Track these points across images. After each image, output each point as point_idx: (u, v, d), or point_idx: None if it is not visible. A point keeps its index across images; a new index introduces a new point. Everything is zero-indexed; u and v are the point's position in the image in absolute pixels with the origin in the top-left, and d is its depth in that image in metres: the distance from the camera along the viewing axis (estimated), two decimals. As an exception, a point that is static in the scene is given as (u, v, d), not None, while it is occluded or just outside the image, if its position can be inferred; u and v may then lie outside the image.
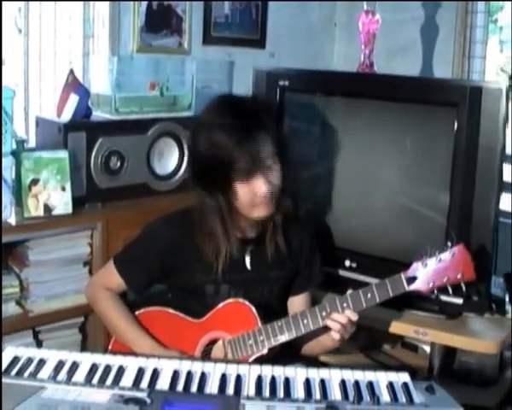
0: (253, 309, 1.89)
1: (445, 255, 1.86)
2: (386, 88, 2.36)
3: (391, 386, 1.55)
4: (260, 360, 1.85)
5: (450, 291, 1.89)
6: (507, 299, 2.33)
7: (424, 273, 1.87)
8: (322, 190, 2.47)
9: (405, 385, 1.55)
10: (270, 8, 3.75)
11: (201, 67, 3.17)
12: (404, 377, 1.59)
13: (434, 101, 2.23)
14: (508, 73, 3.62)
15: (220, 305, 1.93)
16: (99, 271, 2.27)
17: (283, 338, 1.88)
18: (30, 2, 2.89)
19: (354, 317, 1.86)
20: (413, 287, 1.89)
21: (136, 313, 2.03)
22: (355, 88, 2.44)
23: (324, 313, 1.89)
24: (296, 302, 2.09)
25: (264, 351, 1.88)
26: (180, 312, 1.99)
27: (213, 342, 1.94)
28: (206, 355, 1.93)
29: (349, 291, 1.90)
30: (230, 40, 3.59)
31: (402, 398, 1.51)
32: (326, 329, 1.92)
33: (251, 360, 1.87)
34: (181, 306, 2.02)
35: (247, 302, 1.90)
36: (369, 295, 1.88)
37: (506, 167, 2.22)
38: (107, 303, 2.05)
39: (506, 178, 2.26)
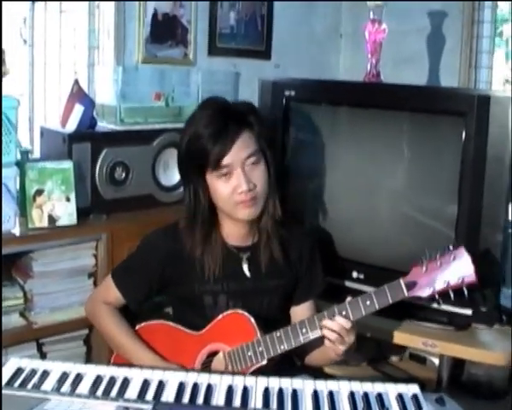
0: (252, 320, 1.87)
1: (446, 259, 1.80)
2: (392, 97, 2.35)
3: (400, 398, 1.53)
4: (260, 371, 1.83)
5: (452, 296, 1.82)
6: (517, 310, 2.31)
7: (424, 278, 1.81)
8: (329, 201, 2.44)
9: (415, 397, 1.54)
10: (276, 19, 3.75)
11: (207, 78, 3.15)
12: (413, 388, 1.57)
13: (442, 110, 2.21)
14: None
15: (219, 316, 1.91)
16: (98, 286, 2.27)
17: (282, 349, 1.85)
18: (35, 14, 2.90)
19: (347, 324, 1.80)
20: (413, 293, 1.83)
21: (137, 327, 2.02)
22: (361, 98, 2.42)
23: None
24: (299, 312, 2.05)
25: (264, 362, 1.85)
26: (180, 325, 1.98)
27: (213, 354, 1.92)
28: (206, 368, 1.91)
29: (348, 299, 1.85)
30: (236, 51, 3.59)
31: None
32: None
33: (250, 371, 1.85)
34: (180, 318, 2.01)
35: (246, 313, 1.88)
36: (368, 303, 1.83)
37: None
38: (107, 318, 2.03)
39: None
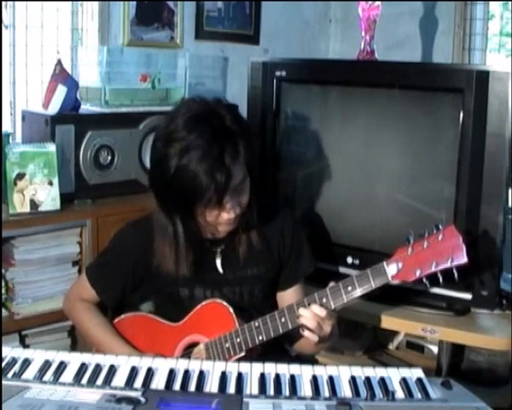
0: (231, 309, 1.81)
1: (434, 239, 1.67)
2: (387, 75, 2.30)
3: (404, 382, 1.46)
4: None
5: (441, 280, 1.68)
6: (518, 294, 2.28)
7: (409, 260, 1.69)
8: (321, 184, 2.40)
9: (420, 381, 1.46)
10: (264, 2, 3.71)
11: (194, 63, 3.15)
12: (417, 372, 1.50)
13: (439, 87, 2.17)
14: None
15: (198, 306, 1.86)
16: (73, 283, 2.20)
17: (260, 339, 1.79)
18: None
19: (322, 313, 1.72)
20: (397, 277, 1.71)
21: (116, 320, 1.98)
22: (355, 76, 2.37)
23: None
24: (286, 298, 1.98)
25: (242, 354, 1.80)
26: (159, 316, 1.94)
27: (192, 345, 1.88)
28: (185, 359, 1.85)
29: (330, 284, 1.77)
30: (223, 35, 3.55)
31: (417, 394, 1.42)
32: None
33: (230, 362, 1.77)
34: (160, 312, 1.97)
35: (224, 302, 1.83)
36: (349, 288, 1.74)
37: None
38: (83, 315, 1.99)
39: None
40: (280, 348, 2.02)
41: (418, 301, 2.23)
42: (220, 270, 1.92)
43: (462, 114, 2.08)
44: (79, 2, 3.00)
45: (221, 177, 1.66)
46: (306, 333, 1.75)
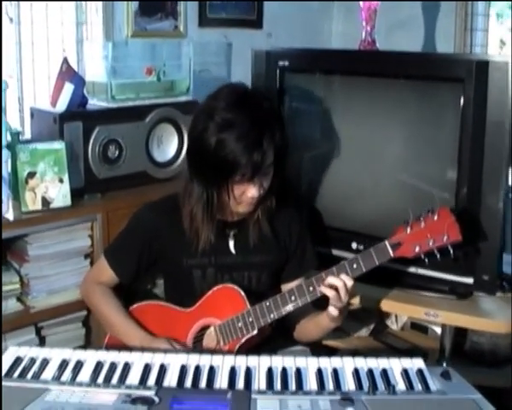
0: (242, 292, 1.91)
1: (429, 219, 1.86)
2: (389, 65, 2.33)
3: (405, 373, 1.53)
4: (255, 345, 1.91)
5: (438, 256, 1.89)
6: (519, 277, 2.31)
7: (409, 238, 1.88)
8: (325, 172, 2.44)
9: (420, 372, 1.53)
10: (267, -14, 3.69)
11: (198, 50, 3.16)
12: (418, 363, 1.57)
13: (439, 76, 2.19)
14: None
15: (210, 292, 1.95)
16: (92, 267, 2.33)
17: (272, 317, 1.90)
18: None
19: (349, 281, 1.84)
20: (398, 253, 1.89)
21: (130, 308, 2.06)
22: (357, 66, 2.40)
23: (311, 288, 1.89)
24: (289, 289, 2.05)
25: (254, 332, 1.90)
26: (171, 303, 2.03)
27: (204, 328, 1.96)
28: (197, 342, 1.96)
29: (337, 264, 1.89)
30: (227, 21, 3.55)
31: (418, 386, 1.49)
32: (321, 308, 1.93)
33: (242, 341, 1.90)
34: (172, 294, 2.09)
35: (235, 286, 1.93)
36: (354, 266, 1.88)
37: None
38: (100, 298, 2.08)
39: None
40: (286, 332, 2.10)
41: (421, 286, 2.27)
42: (233, 251, 2.01)
43: (462, 103, 2.11)
44: (83, -2, 3.02)
45: (257, 157, 1.79)
46: (329, 307, 1.85)
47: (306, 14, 3.92)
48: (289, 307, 1.89)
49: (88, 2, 3.04)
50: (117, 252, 2.11)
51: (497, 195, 2.11)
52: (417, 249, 1.87)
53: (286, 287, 2.06)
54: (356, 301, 2.25)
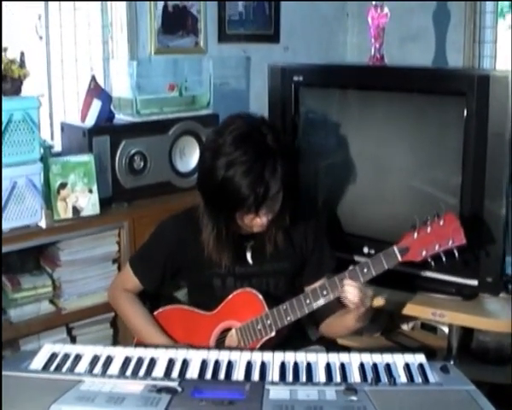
0: (260, 296, 2.00)
1: (435, 224, 1.93)
2: (396, 80, 2.43)
3: (407, 367, 1.61)
4: (273, 344, 1.97)
5: (444, 259, 1.96)
6: (522, 278, 2.37)
7: (416, 243, 1.95)
8: (339, 180, 2.53)
9: (421, 366, 1.61)
10: (283, 2, 3.78)
11: (218, 65, 3.24)
12: (420, 358, 1.65)
13: (444, 90, 2.28)
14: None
15: (230, 296, 2.05)
16: (118, 274, 2.43)
17: (289, 320, 1.99)
18: (49, 10, 2.97)
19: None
20: (406, 257, 1.96)
21: (155, 312, 2.16)
22: (367, 81, 2.50)
23: (325, 292, 1.98)
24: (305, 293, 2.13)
25: (273, 334, 1.99)
26: (194, 307, 2.12)
27: (226, 331, 2.06)
28: (220, 344, 2.05)
29: (349, 268, 1.98)
30: (245, 37, 3.64)
31: (418, 378, 1.57)
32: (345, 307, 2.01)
33: (261, 342, 1.99)
34: (195, 300, 2.17)
35: (254, 291, 2.01)
36: (365, 270, 1.96)
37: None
38: (126, 304, 2.18)
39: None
40: (302, 333, 2.21)
41: (429, 288, 2.37)
42: (250, 261, 2.10)
43: (465, 115, 2.19)
44: (109, 15, 3.14)
45: (260, 189, 1.87)
46: (349, 304, 1.94)
47: (321, 27, 4.00)
48: (305, 311, 1.98)
49: (113, 21, 3.15)
50: (141, 262, 2.19)
51: (499, 201, 2.20)
52: (424, 253, 1.94)
53: (308, 289, 2.13)
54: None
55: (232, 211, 1.94)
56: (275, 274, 2.12)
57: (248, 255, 2.11)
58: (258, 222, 1.97)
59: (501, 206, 2.21)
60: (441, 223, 1.93)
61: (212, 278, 2.10)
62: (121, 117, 2.85)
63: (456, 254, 1.95)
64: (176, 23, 3.32)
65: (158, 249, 2.16)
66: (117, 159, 2.69)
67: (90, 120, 2.69)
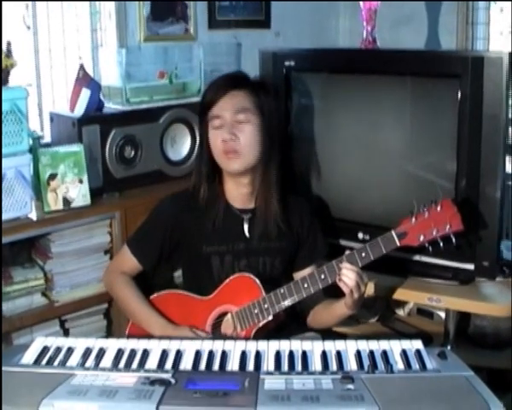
0: (257, 281, 2.00)
1: (433, 210, 1.96)
2: (389, 63, 2.41)
3: (404, 354, 1.61)
4: (269, 330, 1.99)
5: (441, 244, 1.98)
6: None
7: (414, 228, 1.97)
8: (331, 165, 2.52)
9: (418, 352, 1.61)
10: (274, -13, 3.72)
11: (209, 51, 3.20)
12: (417, 344, 1.65)
13: (437, 73, 2.27)
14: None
15: (227, 280, 2.05)
16: (114, 257, 2.42)
17: (286, 304, 1.99)
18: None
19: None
20: (404, 242, 1.99)
21: (151, 297, 2.15)
22: (359, 64, 2.47)
23: (323, 276, 1.98)
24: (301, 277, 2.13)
25: (270, 317, 1.99)
26: (190, 292, 2.11)
27: (222, 315, 2.05)
28: (216, 328, 2.04)
29: (346, 252, 1.99)
30: (236, 22, 3.61)
31: (415, 365, 1.57)
32: (336, 296, 2.01)
33: (258, 326, 1.99)
34: (190, 283, 2.18)
35: (251, 275, 2.02)
36: (363, 254, 1.98)
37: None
38: (123, 287, 2.17)
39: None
40: (298, 319, 2.19)
41: (425, 273, 2.35)
42: (247, 234, 2.12)
43: (459, 98, 2.18)
44: (97, 3, 3.10)
45: (218, 91, 2.06)
46: (347, 290, 1.93)
47: (313, 13, 3.95)
48: (302, 294, 1.98)
49: (102, 8, 3.11)
50: (139, 240, 2.19)
51: (495, 185, 2.18)
52: (422, 239, 1.97)
53: (298, 275, 2.15)
54: (370, 290, 2.30)
55: (202, 116, 2.10)
56: (271, 252, 2.13)
57: (245, 228, 2.12)
58: (223, 137, 2.02)
59: (496, 189, 2.20)
60: (439, 209, 1.96)
61: (211, 255, 2.10)
62: (111, 106, 2.83)
63: (453, 240, 1.97)
64: (165, 10, 3.29)
65: (156, 225, 2.17)
66: (107, 148, 2.67)
67: (80, 110, 2.67)
